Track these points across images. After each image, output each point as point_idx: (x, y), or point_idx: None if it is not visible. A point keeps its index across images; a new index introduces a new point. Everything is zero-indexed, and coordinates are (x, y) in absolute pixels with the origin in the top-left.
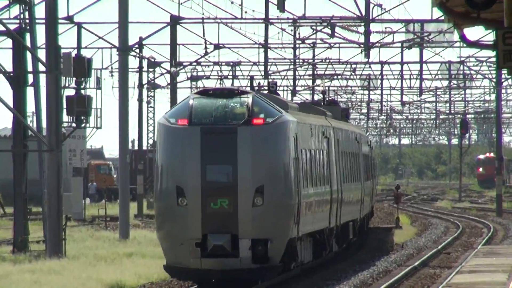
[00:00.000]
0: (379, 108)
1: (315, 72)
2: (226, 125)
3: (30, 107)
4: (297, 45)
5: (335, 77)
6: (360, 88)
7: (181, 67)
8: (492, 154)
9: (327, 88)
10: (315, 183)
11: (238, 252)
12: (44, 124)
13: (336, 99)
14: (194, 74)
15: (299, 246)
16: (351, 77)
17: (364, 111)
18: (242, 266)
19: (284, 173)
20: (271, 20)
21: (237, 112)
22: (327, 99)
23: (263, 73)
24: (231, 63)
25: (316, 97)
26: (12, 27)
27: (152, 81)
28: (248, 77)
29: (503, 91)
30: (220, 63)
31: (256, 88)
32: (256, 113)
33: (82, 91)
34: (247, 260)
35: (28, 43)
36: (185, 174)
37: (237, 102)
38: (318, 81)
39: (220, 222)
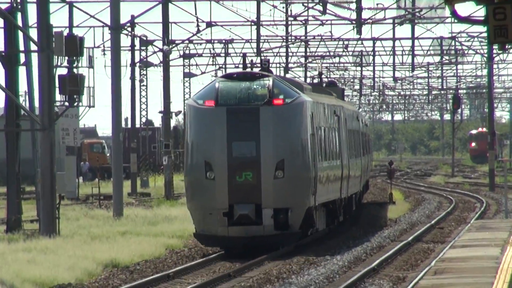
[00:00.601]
0: (372, 84)
1: (308, 49)
2: (249, 105)
3: (23, 86)
4: (289, 22)
5: (328, 53)
6: (352, 64)
7: (174, 45)
8: (484, 129)
9: (323, 69)
10: (328, 157)
11: (262, 220)
12: (36, 103)
13: (328, 76)
14: (187, 52)
15: (315, 215)
16: (344, 53)
17: (357, 87)
18: (265, 233)
19: (302, 148)
20: None
21: (258, 93)
22: (324, 80)
23: (255, 50)
24: (224, 41)
25: (308, 74)
26: (3, 6)
27: (145, 60)
28: (241, 55)
29: (495, 66)
30: (212, 41)
31: (248, 65)
32: (276, 94)
33: (75, 70)
34: (270, 227)
35: (20, 23)
36: (212, 150)
37: (258, 85)
38: (314, 64)
39: (245, 193)
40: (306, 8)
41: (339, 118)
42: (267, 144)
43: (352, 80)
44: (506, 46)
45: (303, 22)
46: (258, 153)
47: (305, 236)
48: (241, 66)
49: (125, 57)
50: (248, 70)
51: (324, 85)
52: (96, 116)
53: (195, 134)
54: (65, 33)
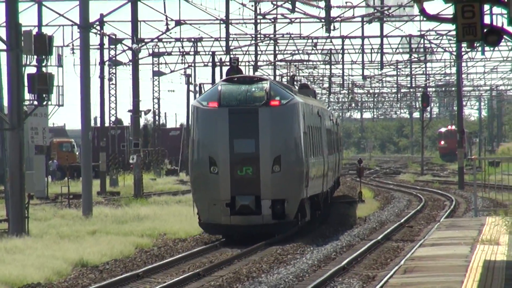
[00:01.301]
0: (341, 82)
1: (277, 48)
2: (249, 106)
3: None
4: (258, 21)
5: (297, 51)
6: (321, 62)
7: (143, 43)
8: (453, 127)
9: (295, 72)
10: (315, 154)
11: (261, 210)
12: (5, 102)
13: (298, 74)
14: (156, 50)
15: (306, 206)
16: (313, 52)
17: (326, 85)
18: (264, 222)
19: (296, 145)
20: None
21: (257, 95)
22: (296, 83)
23: (224, 49)
24: (193, 39)
25: (278, 73)
26: None
27: (114, 58)
28: (210, 53)
29: (464, 64)
30: (181, 39)
31: (218, 63)
32: (272, 96)
33: (44, 69)
34: (268, 217)
35: None
36: (216, 147)
37: (257, 87)
38: (283, 62)
39: (245, 186)
40: (275, 7)
41: (321, 118)
42: (265, 142)
43: (321, 78)
44: (475, 44)
45: (272, 20)
46: (257, 149)
47: (298, 225)
48: (210, 64)
49: (94, 55)
50: (247, 74)
51: (297, 87)
52: (65, 115)
53: (200, 133)
54: (34, 32)
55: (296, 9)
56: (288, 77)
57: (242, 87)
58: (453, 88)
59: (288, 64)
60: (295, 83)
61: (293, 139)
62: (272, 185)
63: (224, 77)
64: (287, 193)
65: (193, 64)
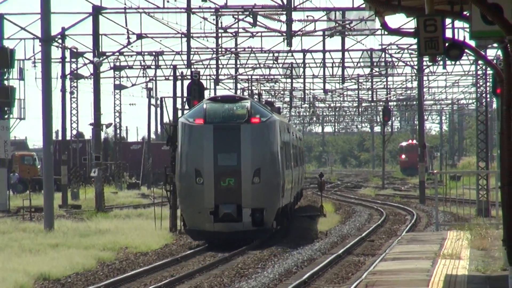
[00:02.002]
0: (302, 96)
1: (238, 61)
2: (232, 123)
3: None
4: (220, 34)
5: (258, 65)
6: (282, 76)
7: (104, 57)
8: (414, 141)
9: (262, 90)
10: (287, 167)
11: (242, 218)
12: None
13: (259, 88)
14: (117, 64)
15: (281, 215)
16: (274, 65)
17: (287, 99)
18: (244, 228)
19: (274, 159)
20: (193, 10)
21: (239, 113)
22: (262, 100)
23: (186, 62)
24: (154, 53)
25: (239, 86)
26: None
27: (75, 72)
28: (171, 67)
29: (425, 78)
30: (143, 53)
31: (179, 77)
32: (253, 114)
33: (5, 82)
34: (248, 224)
35: None
36: (201, 160)
37: (239, 106)
38: (244, 76)
39: (228, 196)
40: (236, 20)
41: (289, 134)
42: (246, 155)
43: (282, 92)
44: (437, 58)
45: (234, 34)
46: (239, 162)
47: (273, 231)
48: (171, 78)
49: (56, 69)
50: (230, 93)
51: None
52: (27, 128)
53: (186, 147)
54: None
55: (258, 23)
56: (256, 95)
57: (226, 105)
58: (414, 102)
59: (250, 77)
60: (261, 100)
61: (271, 153)
62: (252, 195)
63: (185, 91)
64: (266, 202)
65: (154, 78)
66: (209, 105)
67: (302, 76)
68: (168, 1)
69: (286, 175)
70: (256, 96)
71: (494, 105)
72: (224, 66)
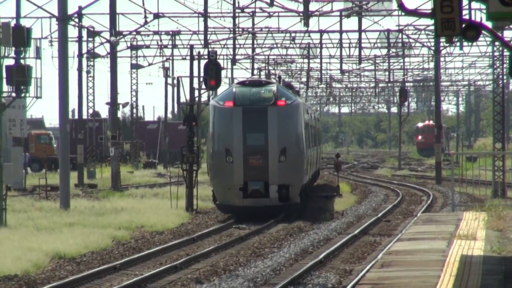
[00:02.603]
0: (319, 77)
1: (255, 41)
2: (260, 105)
3: None
4: (237, 14)
5: (275, 45)
6: (299, 57)
7: (121, 36)
8: (431, 122)
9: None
10: (310, 146)
11: (269, 194)
12: None
13: (275, 68)
14: (134, 43)
15: (305, 190)
16: (291, 46)
17: (304, 80)
18: (271, 204)
19: (299, 139)
20: None
21: (266, 96)
22: (280, 83)
23: (202, 42)
24: (171, 32)
25: (255, 66)
26: None
27: (92, 51)
28: (188, 46)
29: (442, 59)
30: (159, 32)
31: (196, 57)
32: (279, 97)
33: (22, 61)
34: (275, 199)
35: None
36: (231, 140)
37: (266, 90)
38: (261, 57)
39: (256, 173)
40: (254, 0)
41: (310, 115)
42: (273, 136)
43: (299, 72)
44: (453, 39)
45: (251, 14)
46: (266, 142)
47: (299, 206)
48: (188, 58)
49: (73, 48)
50: (256, 77)
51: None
52: (43, 107)
53: (217, 128)
54: (12, 24)
55: (275, 3)
56: (276, 76)
57: (253, 89)
58: (431, 83)
59: (267, 58)
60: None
61: (296, 134)
62: (279, 173)
63: (202, 70)
64: (291, 179)
65: (171, 57)
66: (238, 89)
67: (319, 57)
68: None
69: (307, 155)
70: (274, 78)
71: (511, 87)
72: (241, 46)
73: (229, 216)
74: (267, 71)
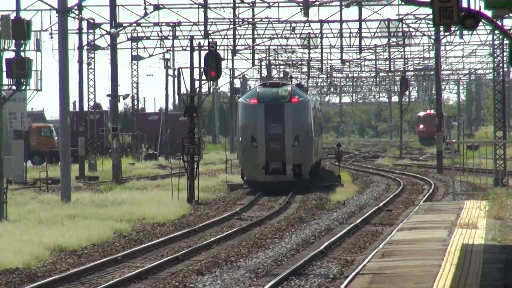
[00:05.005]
0: (319, 66)
1: (255, 32)
2: (278, 102)
3: None
4: (237, 5)
5: (275, 36)
6: (300, 47)
7: (121, 28)
8: (432, 111)
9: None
10: (317, 135)
11: (286, 171)
12: None
13: (276, 58)
14: (134, 35)
15: (314, 169)
16: (291, 36)
17: (305, 70)
18: (288, 179)
19: (309, 128)
20: None
21: (283, 95)
22: (292, 81)
23: (203, 33)
24: (171, 24)
25: (256, 57)
26: None
27: (92, 43)
28: (188, 38)
29: (442, 48)
30: (160, 24)
31: (196, 48)
32: (293, 95)
33: (22, 54)
34: (291, 176)
35: None
36: (256, 129)
37: (283, 90)
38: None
39: (275, 155)
40: None
41: (316, 109)
42: (288, 126)
43: (299, 62)
44: (452, 28)
45: (251, 4)
46: (283, 131)
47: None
48: (188, 49)
49: (73, 40)
50: (276, 80)
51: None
52: (44, 100)
53: (245, 120)
54: (12, 17)
55: None
56: (288, 76)
57: (273, 89)
58: (431, 72)
59: (267, 48)
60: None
61: (306, 124)
62: (293, 155)
63: (202, 61)
64: (303, 160)
65: (171, 49)
66: (261, 89)
67: (319, 47)
68: None
69: (315, 141)
70: (287, 78)
71: None
72: (241, 36)
73: (230, 207)
74: (267, 61)
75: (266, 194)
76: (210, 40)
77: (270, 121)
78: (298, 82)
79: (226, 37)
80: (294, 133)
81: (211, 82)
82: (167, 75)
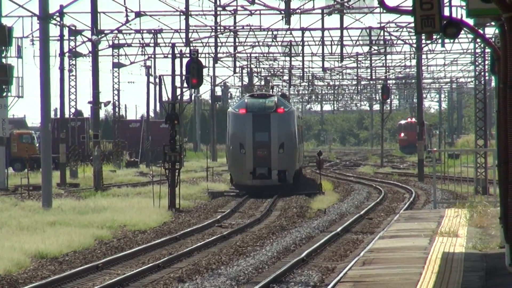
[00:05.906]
0: (301, 74)
1: (237, 39)
2: (265, 112)
3: None
4: (218, 12)
5: (257, 43)
6: (281, 55)
7: (102, 35)
8: (413, 119)
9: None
10: (300, 142)
11: (271, 176)
12: None
13: (258, 66)
14: (116, 42)
15: (297, 174)
16: (272, 44)
17: (286, 78)
18: (273, 183)
19: (293, 136)
20: None
21: (270, 105)
22: (273, 91)
23: (184, 40)
24: (153, 31)
25: (237, 64)
26: None
27: (74, 50)
28: (170, 45)
29: (424, 56)
30: (141, 31)
31: (178, 55)
32: (279, 105)
33: (3, 60)
34: (276, 180)
35: None
36: (244, 137)
37: (269, 100)
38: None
39: (262, 161)
40: None
41: (299, 119)
42: (274, 134)
43: (281, 70)
44: (433, 36)
45: (232, 12)
46: (269, 139)
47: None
48: (170, 56)
49: (54, 47)
50: (263, 92)
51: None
52: (25, 107)
53: (234, 128)
54: None
55: (256, 1)
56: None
57: (260, 100)
58: (413, 80)
59: (249, 56)
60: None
61: (291, 133)
62: (278, 161)
63: (184, 69)
64: (288, 166)
65: (153, 56)
66: (249, 99)
67: (301, 54)
68: None
69: (298, 148)
70: (267, 87)
71: (493, 83)
72: (223, 44)
73: (211, 215)
74: (249, 68)
75: (253, 196)
76: (192, 47)
77: (257, 130)
78: (281, 90)
79: (207, 44)
80: (279, 140)
81: (193, 90)
82: (148, 82)
